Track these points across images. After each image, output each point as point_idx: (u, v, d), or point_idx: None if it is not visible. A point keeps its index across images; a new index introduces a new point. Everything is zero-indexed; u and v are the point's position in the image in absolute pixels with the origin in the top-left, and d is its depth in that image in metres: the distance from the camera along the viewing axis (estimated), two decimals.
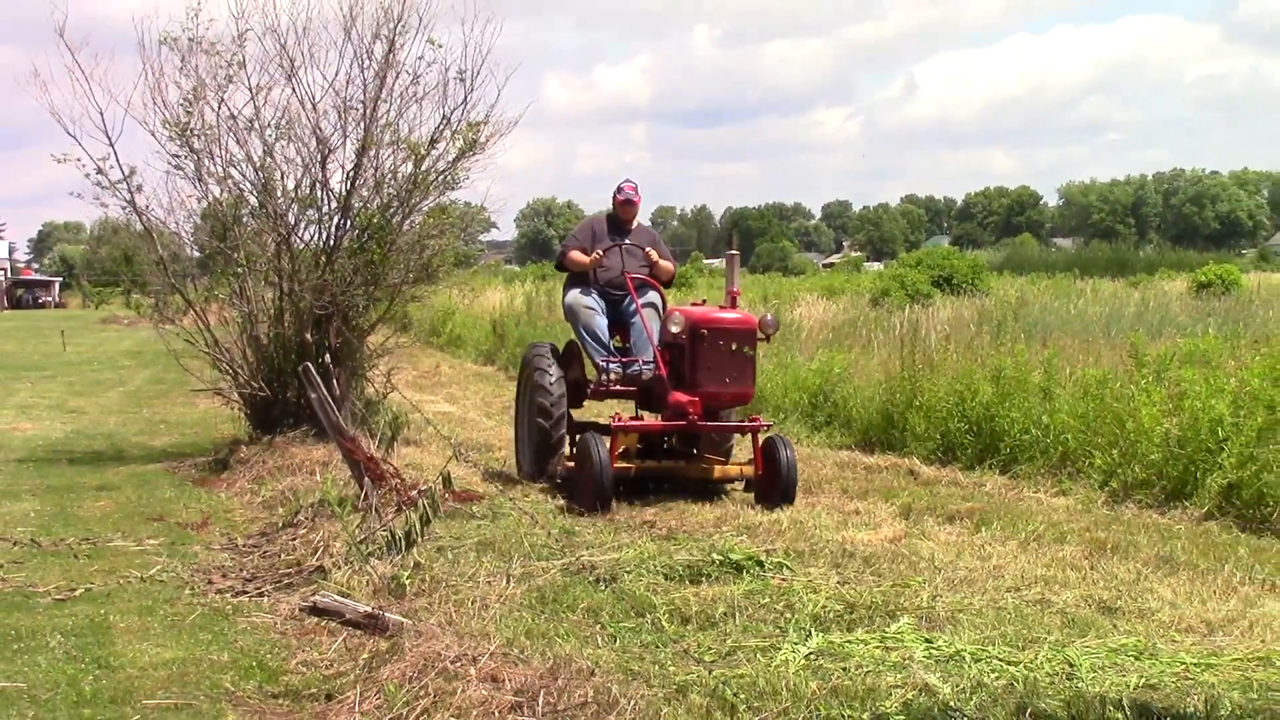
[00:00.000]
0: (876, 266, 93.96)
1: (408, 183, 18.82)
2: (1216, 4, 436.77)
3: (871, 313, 33.25)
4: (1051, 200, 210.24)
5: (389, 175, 18.96)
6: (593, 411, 17.82)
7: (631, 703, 6.79)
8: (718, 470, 14.86)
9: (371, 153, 18.74)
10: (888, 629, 8.92)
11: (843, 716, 7.06)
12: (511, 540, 11.14)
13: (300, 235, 19.22)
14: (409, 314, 25.92)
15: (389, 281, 19.08)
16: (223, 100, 18.85)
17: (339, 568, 10.74)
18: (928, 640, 8.60)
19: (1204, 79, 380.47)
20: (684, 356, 14.40)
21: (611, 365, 15.22)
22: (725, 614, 9.23)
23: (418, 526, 10.95)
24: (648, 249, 16.08)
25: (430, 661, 7.88)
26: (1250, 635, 9.33)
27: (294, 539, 12.22)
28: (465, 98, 18.62)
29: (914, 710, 7.14)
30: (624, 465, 14.26)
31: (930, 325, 24.98)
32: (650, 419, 15.48)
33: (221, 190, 19.24)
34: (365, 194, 18.87)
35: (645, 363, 15.14)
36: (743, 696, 7.28)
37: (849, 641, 8.54)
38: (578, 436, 15.11)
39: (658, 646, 8.46)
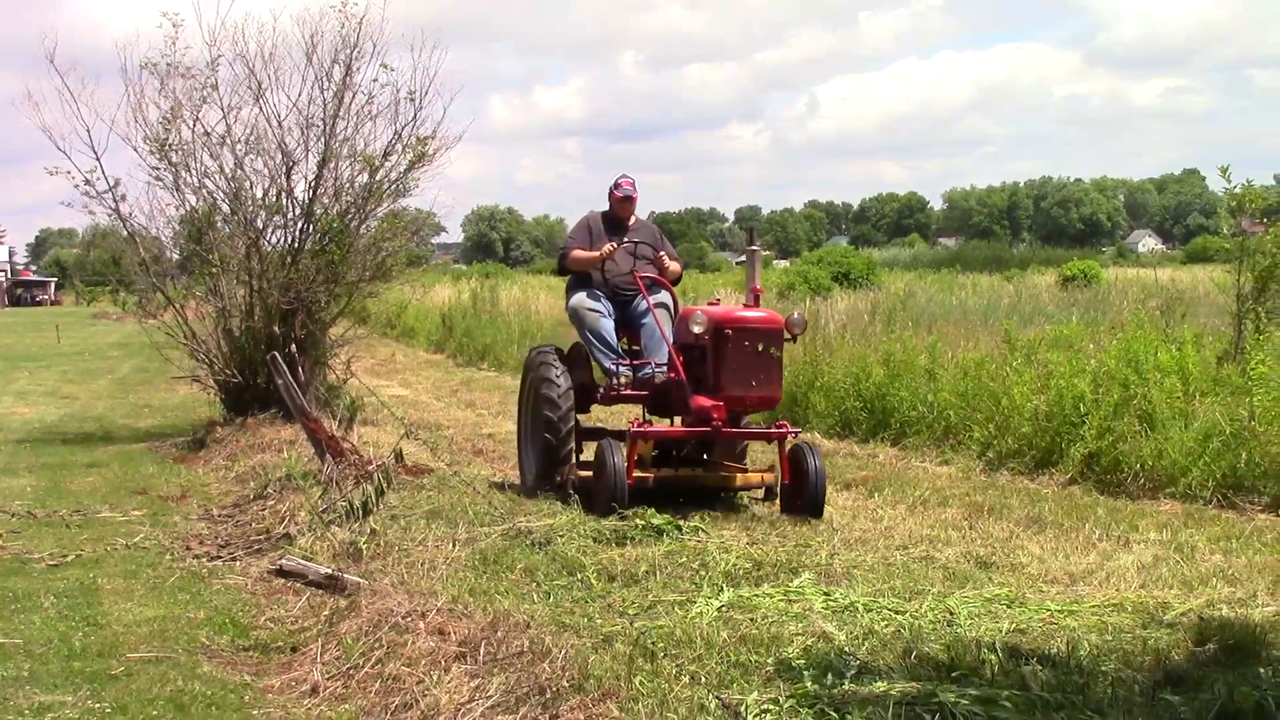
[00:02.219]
0: (783, 264, 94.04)
1: (364, 191, 18.97)
2: (1078, 33, 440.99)
3: (779, 304, 33.24)
4: (937, 204, 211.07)
5: (347, 185, 19.09)
6: (594, 417, 16.04)
7: (563, 651, 6.78)
8: (739, 478, 12.80)
9: (331, 165, 18.86)
10: (791, 584, 8.91)
11: (750, 662, 7.05)
12: (457, 509, 11.07)
13: (268, 238, 19.27)
14: (366, 308, 25.89)
15: (348, 279, 19.20)
16: (198, 118, 18.91)
17: (303, 534, 10.73)
18: (826, 593, 8.61)
19: (1068, 98, 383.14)
20: (706, 359, 12.18)
21: (621, 369, 13.05)
22: (647, 572, 9.22)
23: (373, 497, 10.94)
24: (661, 253, 13.71)
25: (384, 617, 7.87)
26: (1107, 585, 9.40)
27: (263, 509, 12.20)
28: (414, 115, 18.85)
29: (813, 655, 7.15)
30: (642, 474, 12.13)
31: (830, 315, 25.06)
32: (659, 425, 13.29)
33: (197, 199, 19.34)
34: (326, 201, 18.95)
35: (658, 365, 12.97)
36: (662, 645, 7.27)
37: (756, 595, 8.54)
38: (596, 444, 12.88)
39: (587, 602, 8.44)
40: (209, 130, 18.88)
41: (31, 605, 9.31)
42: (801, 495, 12.00)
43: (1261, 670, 6.70)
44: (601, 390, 13.24)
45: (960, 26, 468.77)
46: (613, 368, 13.09)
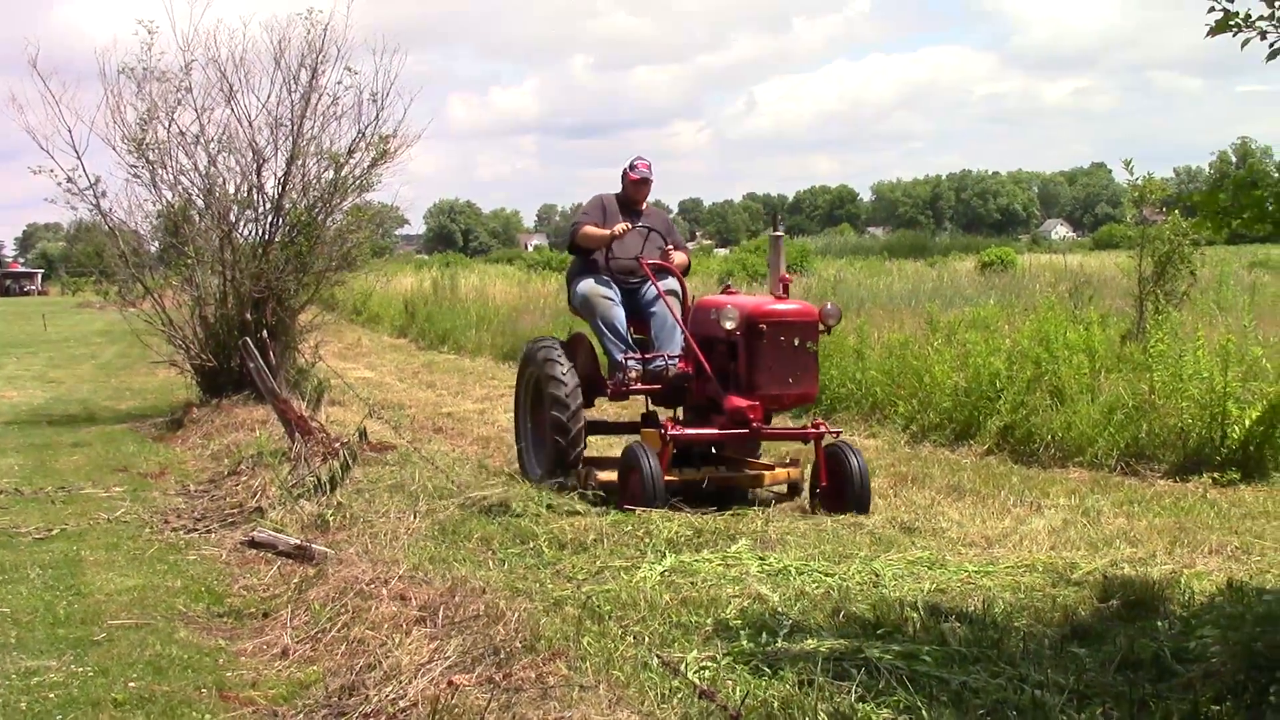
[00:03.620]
0: (724, 252, 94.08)
1: (330, 187, 18.97)
2: (995, 37, 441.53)
3: (713, 290, 33.26)
4: (866, 196, 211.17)
5: (314, 180, 19.05)
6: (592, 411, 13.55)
7: (516, 615, 6.77)
8: (768, 476, 11.53)
9: (299, 162, 18.83)
10: (728, 550, 8.95)
11: (690, 623, 7.08)
12: (418, 483, 11.06)
13: (240, 231, 19.19)
14: (334, 296, 25.76)
15: (315, 269, 19.20)
16: (173, 119, 18.86)
17: (274, 508, 10.69)
18: (761, 558, 8.65)
19: (987, 97, 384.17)
20: (738, 354, 10.92)
21: (631, 362, 11.76)
22: (595, 540, 9.23)
23: (339, 473, 10.93)
24: (671, 243, 12.45)
25: (350, 584, 7.84)
26: (1020, 547, 9.48)
27: (236, 485, 12.13)
28: (377, 115, 18.84)
29: (749, 615, 7.18)
30: (670, 476, 10.74)
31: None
32: (663, 418, 12.12)
33: (173, 195, 19.31)
34: (294, 196, 18.93)
35: (671, 358, 11.73)
36: (608, 608, 7.29)
37: (696, 561, 8.57)
38: (625, 444, 11.63)
39: (538, 568, 8.47)
40: (184, 130, 18.85)
41: (19, 576, 9.24)
42: (844, 495, 10.72)
43: (1159, 624, 6.76)
44: (611, 384, 11.91)
45: (887, 31, 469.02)
46: (623, 360, 11.79)
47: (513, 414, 13.18)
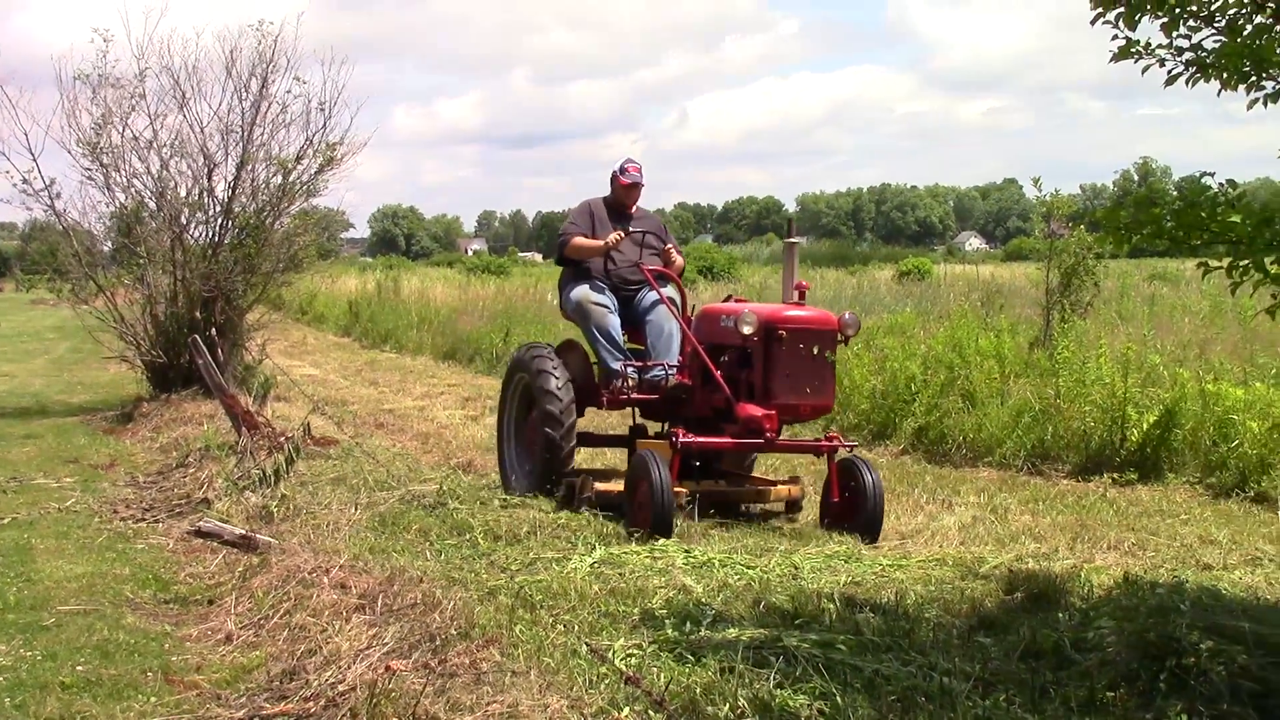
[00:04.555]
0: None
1: (278, 191, 18.88)
2: (915, 58, 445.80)
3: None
4: (791, 207, 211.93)
5: (263, 185, 18.94)
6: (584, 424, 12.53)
7: (451, 603, 6.76)
8: (773, 492, 10.74)
9: (249, 167, 18.72)
10: (655, 543, 8.94)
11: (618, 612, 7.07)
12: (359, 476, 11.02)
13: (191, 233, 18.98)
14: (280, 296, 25.66)
15: (263, 270, 19.09)
16: (127, 124, 18.63)
17: (220, 499, 10.60)
18: (686, 551, 8.63)
19: (906, 115, 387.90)
20: (752, 362, 10.11)
21: (628, 370, 10.89)
22: (528, 532, 9.20)
23: (284, 466, 10.86)
24: (669, 245, 11.56)
25: (292, 572, 7.80)
26: (932, 542, 9.58)
27: (184, 477, 12.01)
28: (324, 124, 18.73)
29: (674, 606, 7.18)
30: (679, 489, 9.84)
31: (695, 304, 25.03)
32: (652, 429, 11.72)
33: (126, 197, 19.09)
34: (244, 200, 18.81)
35: (670, 367, 10.88)
36: (540, 597, 7.27)
37: (625, 553, 8.55)
38: (631, 456, 11.13)
39: (474, 559, 8.43)
40: (137, 135, 18.66)
41: None
42: (857, 514, 9.89)
43: (1060, 615, 6.82)
44: (607, 394, 10.96)
45: (814, 51, 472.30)
46: (620, 369, 10.90)
47: (496, 420, 12.08)
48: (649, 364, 10.96)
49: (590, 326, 11.10)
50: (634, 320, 11.36)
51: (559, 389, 10.65)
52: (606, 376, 11.05)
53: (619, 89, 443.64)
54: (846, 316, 10.22)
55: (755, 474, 11.46)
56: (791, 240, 11.14)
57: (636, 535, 9.23)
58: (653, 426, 11.72)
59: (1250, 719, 5.31)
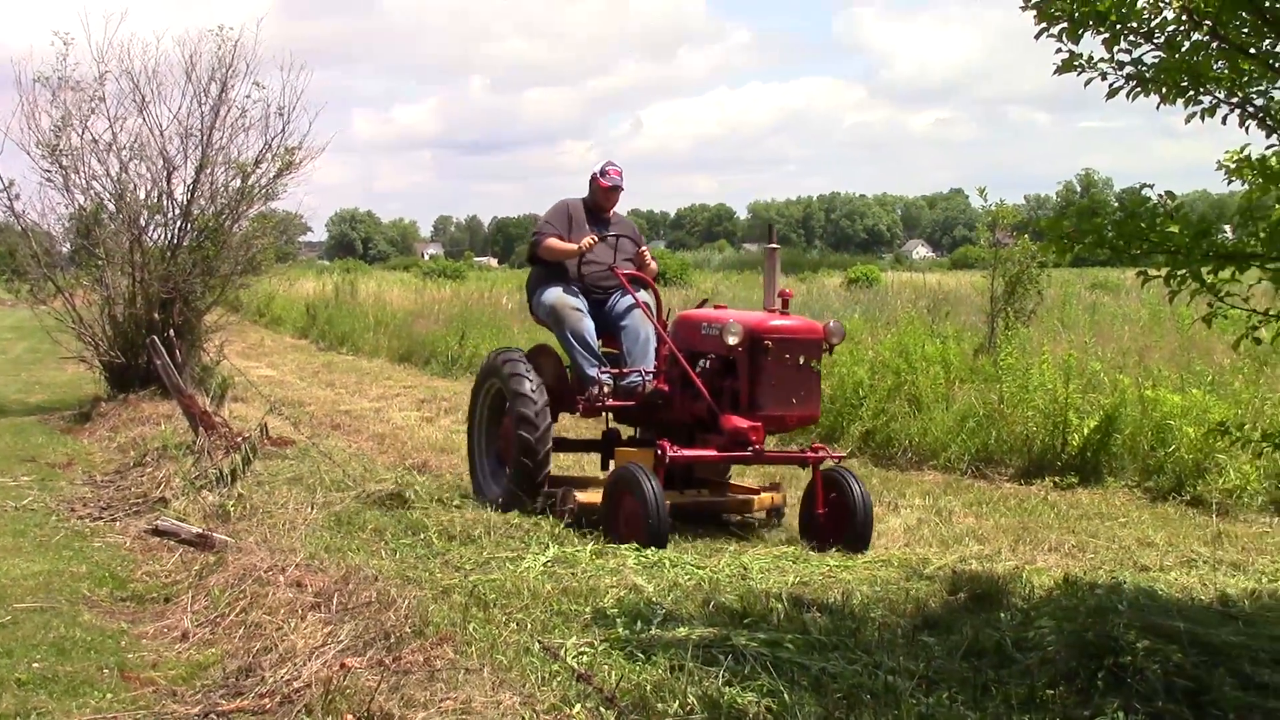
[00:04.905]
0: None
1: (237, 195, 18.76)
2: (864, 70, 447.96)
3: None
4: (742, 214, 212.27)
5: (222, 188, 18.81)
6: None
7: (406, 602, 6.75)
8: (756, 501, 10.43)
9: (207, 170, 18.60)
10: (608, 542, 8.97)
11: (571, 611, 7.08)
12: (315, 476, 10.97)
13: (150, 235, 18.82)
14: (238, 298, 25.45)
15: (221, 272, 18.95)
16: (86, 127, 18.48)
17: (177, 498, 10.54)
18: (637, 550, 8.66)
19: (855, 125, 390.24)
20: (737, 372, 9.70)
21: (604, 376, 10.48)
22: (482, 533, 9.17)
23: (241, 465, 10.80)
24: (644, 250, 11.28)
25: (248, 571, 7.76)
26: (877, 543, 9.60)
27: (142, 476, 11.92)
28: (283, 128, 18.62)
29: (625, 605, 7.19)
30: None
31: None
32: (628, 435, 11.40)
33: (85, 199, 18.91)
34: (203, 203, 18.69)
35: (647, 373, 10.57)
36: (494, 596, 7.27)
37: (578, 552, 8.56)
38: (606, 461, 11.21)
39: (428, 558, 8.42)
40: (97, 138, 18.52)
41: None
42: (845, 526, 9.49)
43: (1002, 615, 6.87)
44: (582, 401, 10.54)
45: (766, 62, 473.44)
46: (595, 375, 10.50)
47: (466, 429, 11.66)
48: (625, 370, 10.65)
49: (565, 331, 10.72)
50: (608, 325, 11.00)
51: (532, 391, 10.32)
52: (582, 382, 10.62)
53: (574, 97, 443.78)
54: (832, 325, 9.96)
55: (732, 482, 11.09)
56: (773, 246, 10.62)
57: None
58: (626, 431, 11.49)
59: (1184, 716, 5.37)
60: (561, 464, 12.36)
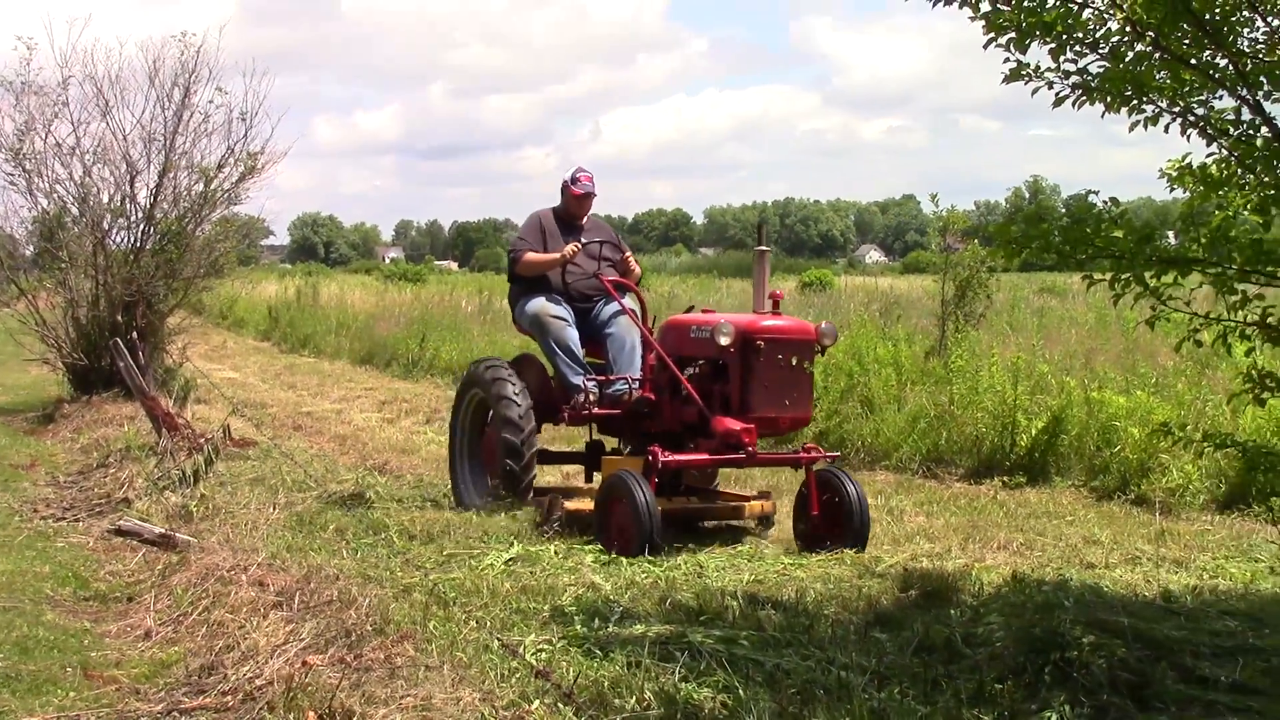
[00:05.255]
0: None
1: (200, 199, 18.73)
2: (818, 78, 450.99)
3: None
4: (699, 219, 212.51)
5: (185, 192, 18.78)
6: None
7: (367, 600, 6.74)
8: (747, 508, 10.00)
9: (171, 175, 18.56)
10: (567, 540, 8.97)
11: (530, 609, 7.08)
12: (277, 477, 10.95)
13: (113, 238, 18.81)
14: (201, 300, 25.23)
15: (184, 275, 18.90)
16: (49, 131, 18.43)
17: (140, 499, 10.48)
18: (596, 549, 8.66)
19: (809, 132, 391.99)
20: (729, 374, 9.35)
21: (589, 385, 10.20)
22: (442, 531, 9.14)
23: (203, 466, 10.76)
24: (627, 254, 10.99)
25: (211, 570, 7.72)
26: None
27: (105, 477, 11.84)
28: (246, 133, 18.61)
29: (583, 603, 7.19)
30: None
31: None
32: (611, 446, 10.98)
33: (49, 202, 18.89)
34: (166, 207, 18.63)
35: (634, 381, 10.22)
36: (454, 594, 7.27)
37: (537, 551, 8.55)
38: (590, 472, 10.93)
39: (389, 557, 8.39)
40: (60, 142, 18.47)
41: None
42: (839, 527, 9.22)
43: (952, 612, 6.91)
44: (569, 410, 10.23)
45: (722, 70, 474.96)
46: (580, 384, 10.22)
47: (447, 441, 11.27)
48: (611, 378, 10.36)
49: (549, 340, 10.39)
50: (593, 333, 10.66)
51: (516, 395, 10.03)
52: (567, 391, 10.32)
53: (534, 103, 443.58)
54: (824, 326, 9.59)
55: (721, 489, 10.70)
56: (762, 248, 10.14)
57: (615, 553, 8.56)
58: (610, 443, 11.05)
59: (1128, 709, 5.41)
60: (544, 478, 12.00)
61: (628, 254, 10.96)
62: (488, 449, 10.52)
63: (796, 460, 9.61)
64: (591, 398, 10.16)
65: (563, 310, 10.46)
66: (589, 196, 10.98)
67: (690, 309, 10.97)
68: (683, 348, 9.81)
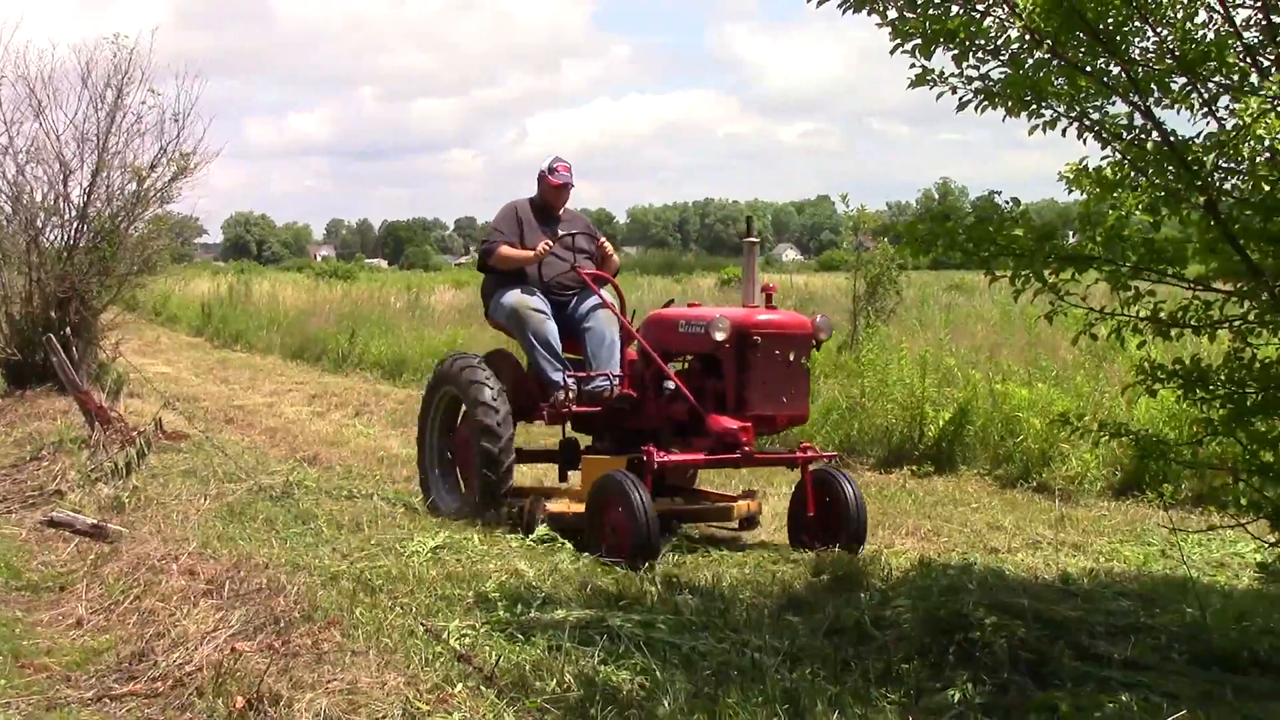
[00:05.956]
0: None
1: (133, 198, 18.36)
2: (736, 83, 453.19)
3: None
4: (622, 219, 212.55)
5: (118, 191, 18.40)
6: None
7: (295, 588, 6.69)
8: (735, 509, 9.34)
9: (104, 174, 18.18)
10: (492, 529, 8.93)
11: (454, 595, 7.04)
12: (209, 468, 10.84)
13: (47, 236, 18.38)
14: (135, 297, 24.99)
15: (118, 273, 18.55)
16: None
17: (73, 491, 10.33)
18: (520, 537, 8.63)
19: (729, 136, 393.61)
20: (722, 370, 8.75)
21: (569, 381, 9.50)
22: (370, 521, 9.09)
23: (135, 459, 10.63)
24: (602, 240, 10.36)
25: (142, 560, 7.64)
26: (756, 532, 9.65)
27: (38, 469, 11.64)
28: (178, 134, 18.24)
29: (506, 588, 7.17)
30: None
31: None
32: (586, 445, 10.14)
33: None
34: (99, 205, 18.26)
35: (616, 376, 9.60)
36: (380, 581, 7.21)
37: (463, 539, 8.50)
38: (591, 474, 9.05)
39: (318, 545, 8.30)
40: None
41: None
42: (836, 528, 8.67)
43: (862, 595, 6.95)
44: (548, 407, 9.55)
45: (645, 75, 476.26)
46: (560, 380, 9.52)
47: (416, 437, 10.57)
48: (590, 374, 9.63)
49: (527, 334, 9.65)
50: (570, 328, 9.90)
51: (494, 400, 9.33)
52: (545, 388, 9.61)
53: (461, 107, 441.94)
54: (819, 320, 9.05)
55: (700, 489, 10.21)
56: (751, 240, 9.54)
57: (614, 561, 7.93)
58: (583, 440, 10.28)
59: (1027, 686, 5.48)
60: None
61: (603, 240, 10.36)
62: (462, 449, 9.92)
63: (795, 459, 9.08)
64: (571, 394, 9.48)
65: (541, 302, 9.76)
66: (567, 187, 10.31)
67: (669, 304, 10.47)
68: (669, 343, 9.27)
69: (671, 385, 9.08)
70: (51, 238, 18.45)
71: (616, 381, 9.56)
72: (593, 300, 9.92)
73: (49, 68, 18.11)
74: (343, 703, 5.21)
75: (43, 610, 7.44)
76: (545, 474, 11.34)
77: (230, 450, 12.01)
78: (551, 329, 9.66)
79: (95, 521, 8.95)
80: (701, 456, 8.82)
